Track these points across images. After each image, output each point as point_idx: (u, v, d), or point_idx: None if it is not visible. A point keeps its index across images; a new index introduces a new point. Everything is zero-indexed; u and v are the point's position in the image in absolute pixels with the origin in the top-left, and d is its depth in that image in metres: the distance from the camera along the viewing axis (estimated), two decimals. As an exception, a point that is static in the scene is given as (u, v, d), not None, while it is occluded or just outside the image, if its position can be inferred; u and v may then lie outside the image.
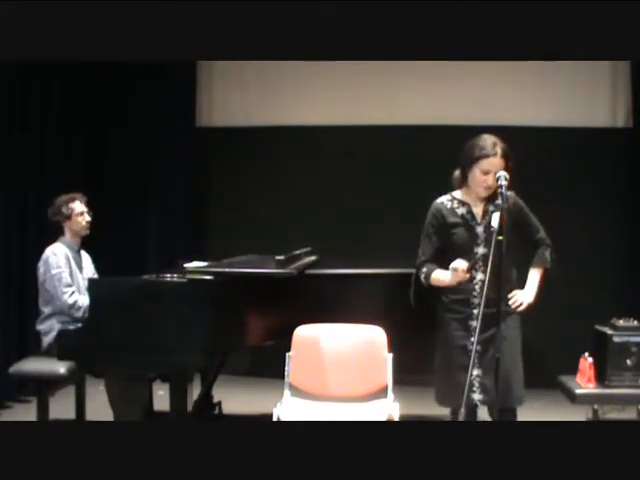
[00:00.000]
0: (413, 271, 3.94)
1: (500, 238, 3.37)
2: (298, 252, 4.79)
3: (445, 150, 6.71)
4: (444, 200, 3.86)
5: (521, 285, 3.85)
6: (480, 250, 3.72)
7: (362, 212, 6.97)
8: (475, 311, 3.64)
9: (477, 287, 3.69)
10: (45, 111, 6.52)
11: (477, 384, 3.66)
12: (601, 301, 6.33)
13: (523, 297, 3.79)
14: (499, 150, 3.65)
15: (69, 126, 6.92)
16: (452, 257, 3.67)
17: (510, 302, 3.73)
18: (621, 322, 4.48)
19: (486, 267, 3.46)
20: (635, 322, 4.48)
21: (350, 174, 7.04)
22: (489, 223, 3.58)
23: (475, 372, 3.62)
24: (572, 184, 6.59)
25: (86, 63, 6.25)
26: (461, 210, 3.80)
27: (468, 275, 3.60)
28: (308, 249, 5.12)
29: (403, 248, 6.25)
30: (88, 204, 5.04)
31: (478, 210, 3.80)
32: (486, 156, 3.64)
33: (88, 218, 5.00)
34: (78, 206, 4.96)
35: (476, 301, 3.67)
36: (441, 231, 3.81)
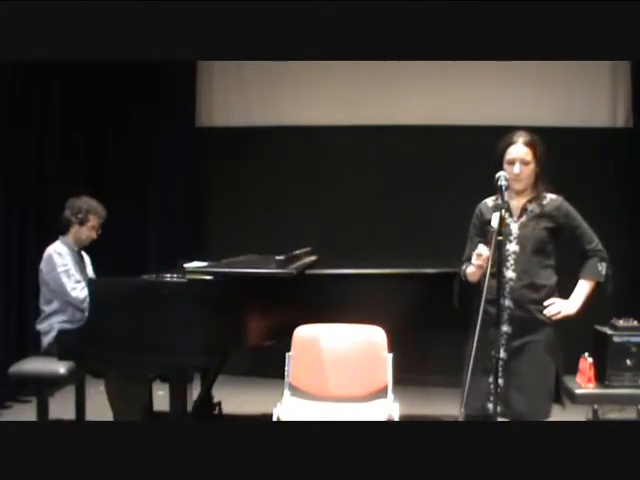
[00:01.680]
0: (415, 271, 3.93)
1: (500, 238, 3.36)
2: (298, 252, 4.79)
3: (445, 150, 6.84)
4: (487, 200, 3.82)
5: (561, 292, 3.72)
6: (512, 247, 3.62)
7: (362, 212, 6.98)
8: (503, 313, 3.53)
9: (507, 286, 3.58)
10: (45, 112, 6.52)
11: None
12: (601, 301, 6.32)
13: (562, 307, 3.64)
14: (522, 139, 3.63)
15: (69, 126, 6.92)
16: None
17: (545, 310, 3.61)
18: (621, 322, 4.48)
19: (515, 264, 3.44)
20: (635, 322, 4.48)
21: (350, 174, 7.04)
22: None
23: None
24: (572, 184, 6.48)
25: (86, 63, 6.25)
26: None
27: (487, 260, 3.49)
28: (308, 249, 5.12)
29: (403, 248, 6.32)
30: (104, 222, 5.01)
31: (516, 205, 3.70)
32: (508, 144, 3.63)
33: (95, 236, 4.98)
34: (95, 221, 4.93)
35: (506, 302, 3.56)
36: (481, 229, 3.75)
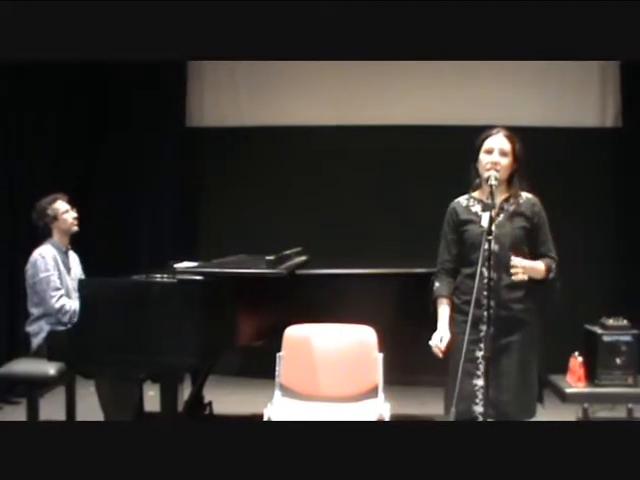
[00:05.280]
0: (405, 271, 3.92)
1: (490, 238, 3.36)
2: (288, 252, 4.79)
3: (436, 149, 6.85)
4: (461, 199, 3.78)
5: (538, 291, 3.67)
6: (491, 247, 3.49)
7: (354, 212, 6.99)
8: (486, 313, 3.48)
9: (487, 286, 3.48)
10: (35, 113, 6.51)
11: (480, 395, 3.50)
12: (591, 300, 6.36)
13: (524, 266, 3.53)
14: (502, 132, 3.62)
15: (59, 127, 6.90)
16: (464, 254, 3.65)
17: (514, 277, 3.52)
18: (611, 321, 4.49)
19: (495, 264, 3.43)
20: (624, 321, 4.49)
21: (342, 174, 7.06)
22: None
23: (480, 382, 3.49)
24: (561, 184, 6.61)
25: (77, 63, 6.24)
26: (475, 208, 3.69)
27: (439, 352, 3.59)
28: (298, 249, 5.12)
29: (398, 248, 6.33)
30: (70, 201, 5.00)
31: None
32: (487, 136, 3.63)
33: (74, 214, 4.97)
34: (62, 205, 4.92)
35: (488, 302, 3.48)
36: (455, 229, 3.72)
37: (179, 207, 7.42)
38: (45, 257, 4.77)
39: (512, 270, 3.52)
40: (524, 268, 3.52)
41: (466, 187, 3.78)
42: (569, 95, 6.97)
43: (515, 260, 3.52)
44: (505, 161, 3.59)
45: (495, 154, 3.58)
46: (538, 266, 3.59)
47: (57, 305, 4.68)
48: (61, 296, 4.71)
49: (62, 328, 4.43)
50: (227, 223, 7.26)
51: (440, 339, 3.60)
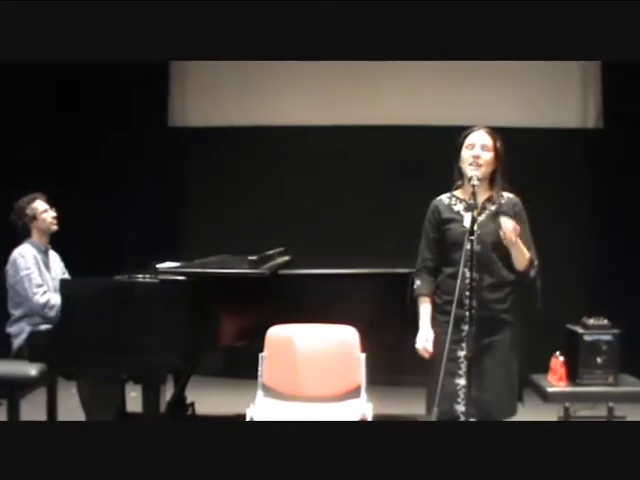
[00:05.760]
0: (388, 271, 3.92)
1: (472, 238, 3.37)
2: (271, 252, 4.79)
3: (412, 150, 6.86)
4: (443, 197, 3.77)
5: (519, 291, 3.69)
6: (473, 247, 3.51)
7: (342, 212, 6.99)
8: (468, 313, 3.47)
9: (469, 286, 3.51)
10: (16, 112, 6.46)
11: (462, 395, 3.52)
12: (572, 300, 6.39)
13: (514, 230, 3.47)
14: (483, 129, 3.64)
15: (41, 127, 6.86)
16: (445, 253, 3.66)
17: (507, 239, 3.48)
18: (592, 321, 4.51)
19: (477, 264, 3.44)
20: (605, 321, 4.51)
21: (328, 174, 7.07)
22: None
23: (462, 382, 3.51)
24: (542, 184, 6.63)
25: (59, 63, 6.20)
26: (458, 207, 3.69)
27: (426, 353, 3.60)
28: (281, 249, 5.12)
29: (383, 248, 6.32)
30: (49, 201, 4.98)
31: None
32: (469, 133, 3.64)
33: (53, 214, 4.94)
34: (41, 205, 4.90)
35: (470, 303, 3.48)
36: (437, 227, 3.72)
37: (162, 207, 7.39)
38: (25, 256, 4.74)
39: (503, 229, 3.47)
40: (515, 231, 3.45)
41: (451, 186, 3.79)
42: (550, 96, 7.00)
43: (507, 223, 3.46)
44: (487, 156, 3.60)
45: (477, 148, 3.59)
46: (524, 248, 3.57)
47: (42, 300, 4.64)
48: (45, 292, 4.68)
49: (43, 329, 4.40)
50: (210, 224, 7.24)
51: (425, 340, 3.61)
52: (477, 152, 3.58)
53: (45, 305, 4.64)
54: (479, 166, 3.57)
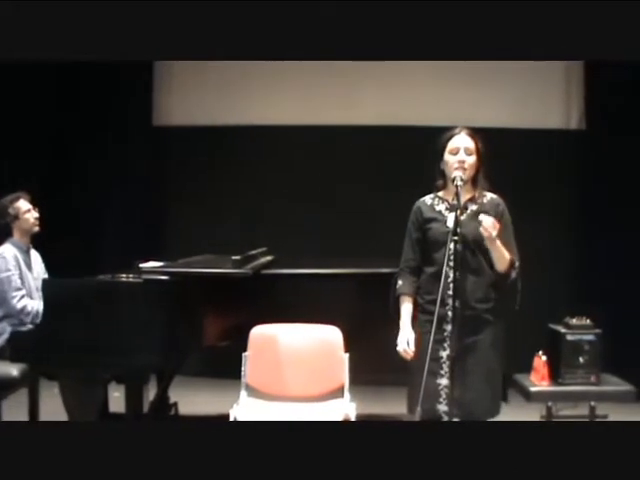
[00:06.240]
0: (370, 271, 3.92)
1: (455, 238, 3.38)
2: (254, 252, 4.78)
3: (392, 150, 6.87)
4: (426, 198, 3.78)
5: (499, 292, 3.68)
6: (454, 246, 3.51)
7: (323, 212, 7.00)
8: (450, 312, 3.47)
9: (452, 286, 3.51)
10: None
11: (444, 395, 3.54)
12: (554, 300, 6.42)
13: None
14: (464, 131, 3.65)
15: (23, 126, 6.83)
16: (427, 252, 3.66)
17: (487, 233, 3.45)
18: (574, 321, 4.53)
19: (459, 265, 3.45)
20: (587, 321, 4.54)
21: (312, 174, 7.05)
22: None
23: (444, 382, 3.53)
24: (525, 185, 6.66)
25: (41, 62, 6.18)
26: (440, 206, 3.70)
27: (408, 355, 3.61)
28: (264, 249, 5.11)
29: (366, 248, 6.33)
30: (32, 201, 4.95)
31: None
32: (451, 136, 3.64)
33: (36, 214, 4.92)
34: (24, 204, 4.88)
35: (452, 302, 3.47)
36: (420, 227, 3.72)
37: (146, 207, 7.36)
38: (6, 257, 4.71)
39: (483, 226, 3.44)
40: (494, 227, 3.44)
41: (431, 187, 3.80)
42: (533, 96, 7.03)
43: (486, 219, 3.45)
44: (471, 160, 3.61)
45: (461, 153, 3.60)
46: (504, 249, 3.56)
47: (19, 306, 4.63)
48: (22, 296, 4.66)
49: (25, 329, 4.38)
50: (194, 223, 7.22)
51: (407, 342, 3.62)
52: (462, 157, 3.60)
53: (21, 311, 4.63)
54: (464, 170, 3.59)
